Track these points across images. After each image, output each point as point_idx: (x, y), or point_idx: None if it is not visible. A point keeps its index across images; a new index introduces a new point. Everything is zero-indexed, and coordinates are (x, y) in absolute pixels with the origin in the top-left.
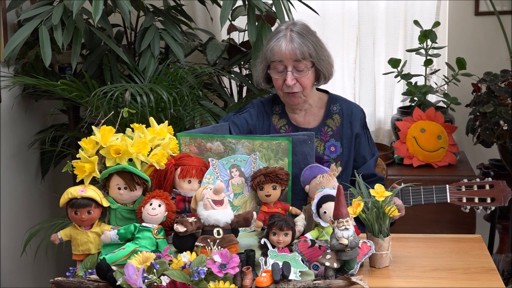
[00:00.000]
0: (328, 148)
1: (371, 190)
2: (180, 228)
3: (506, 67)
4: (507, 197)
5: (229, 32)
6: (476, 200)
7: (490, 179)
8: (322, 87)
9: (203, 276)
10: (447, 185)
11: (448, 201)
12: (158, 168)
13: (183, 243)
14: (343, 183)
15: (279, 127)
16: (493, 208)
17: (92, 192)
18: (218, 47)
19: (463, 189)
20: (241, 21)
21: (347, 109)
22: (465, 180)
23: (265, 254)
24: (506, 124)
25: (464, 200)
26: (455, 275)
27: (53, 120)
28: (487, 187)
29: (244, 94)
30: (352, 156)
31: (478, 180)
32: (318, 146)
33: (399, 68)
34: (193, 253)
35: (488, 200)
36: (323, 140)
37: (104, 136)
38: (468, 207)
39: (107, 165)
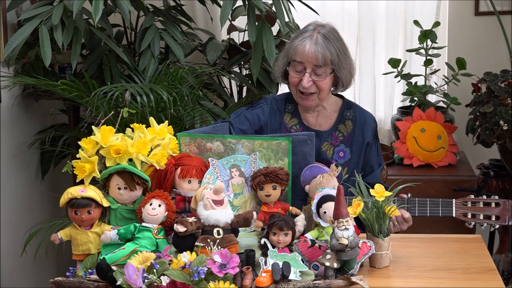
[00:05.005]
0: (337, 153)
1: (371, 190)
2: (180, 228)
3: (506, 67)
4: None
5: (229, 32)
6: (481, 217)
7: (496, 197)
8: None
9: (203, 276)
10: (453, 200)
11: (454, 215)
12: (158, 168)
13: (183, 243)
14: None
15: (290, 126)
16: (497, 226)
17: (92, 192)
18: (218, 47)
19: (469, 204)
20: (241, 21)
21: (360, 117)
22: (472, 196)
23: (265, 254)
24: (506, 124)
25: (469, 216)
26: (455, 275)
27: (53, 120)
28: (493, 204)
29: (244, 94)
30: (360, 164)
31: (485, 197)
32: (328, 150)
33: (399, 68)
34: (193, 253)
35: (493, 218)
36: (332, 144)
37: (104, 136)
38: (473, 223)
39: (107, 165)
